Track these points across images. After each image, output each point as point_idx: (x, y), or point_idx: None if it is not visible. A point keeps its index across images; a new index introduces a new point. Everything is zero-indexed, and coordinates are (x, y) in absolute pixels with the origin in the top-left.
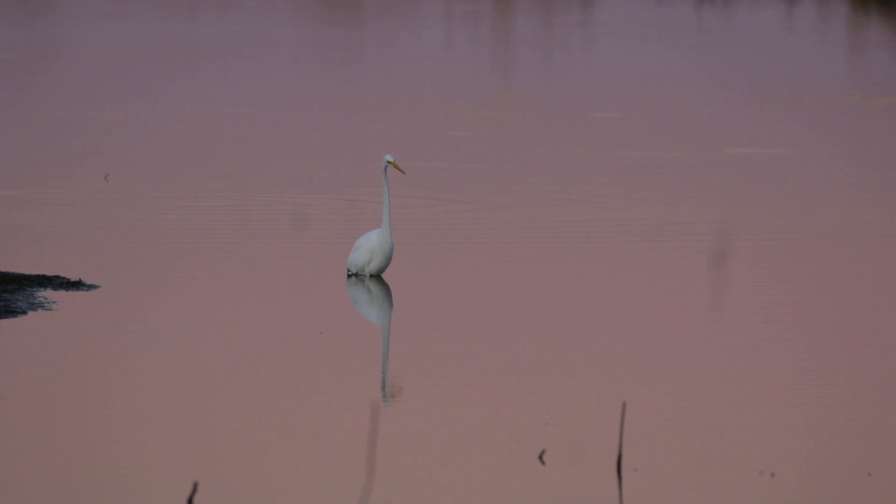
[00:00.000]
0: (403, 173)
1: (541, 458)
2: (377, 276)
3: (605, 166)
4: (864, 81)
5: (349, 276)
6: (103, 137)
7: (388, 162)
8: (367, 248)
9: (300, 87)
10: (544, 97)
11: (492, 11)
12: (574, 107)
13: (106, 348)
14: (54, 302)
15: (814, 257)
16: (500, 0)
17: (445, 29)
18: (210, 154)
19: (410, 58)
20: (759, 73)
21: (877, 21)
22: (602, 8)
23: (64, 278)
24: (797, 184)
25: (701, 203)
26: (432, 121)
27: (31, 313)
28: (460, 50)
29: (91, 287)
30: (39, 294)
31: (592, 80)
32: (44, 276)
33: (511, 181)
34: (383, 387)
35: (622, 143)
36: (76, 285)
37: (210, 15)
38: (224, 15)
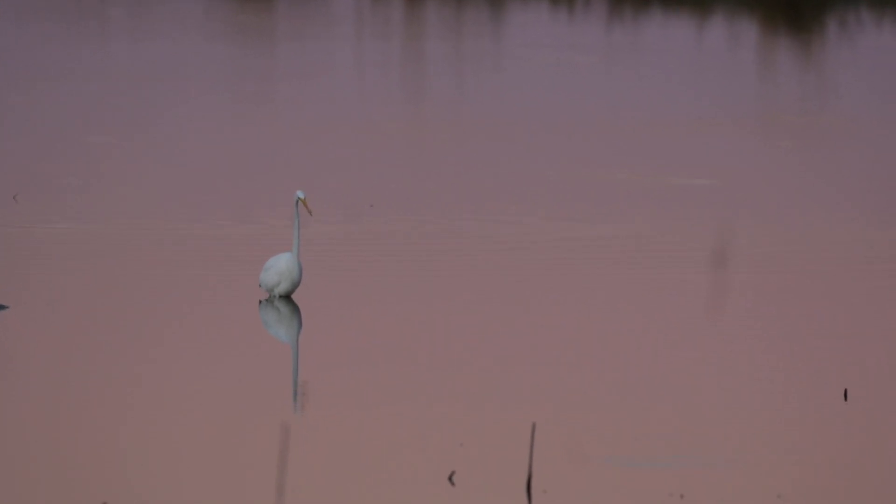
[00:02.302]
0: (310, 214)
1: (450, 479)
2: (287, 297)
3: (522, 186)
4: (774, 102)
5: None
6: (9, 159)
7: (299, 199)
8: (277, 270)
9: (211, 112)
10: (458, 119)
11: (402, 35)
12: (488, 128)
13: (13, 369)
14: None
15: (754, 284)
16: (409, 24)
17: (356, 53)
18: (122, 176)
19: (324, 81)
20: (671, 94)
21: (786, 40)
22: (513, 29)
23: None
24: (714, 208)
25: (607, 223)
26: (348, 143)
27: None
28: (372, 74)
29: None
30: None
31: (506, 101)
32: None
33: (428, 202)
34: (294, 396)
35: (540, 164)
36: None
37: (120, 39)
38: (134, 39)
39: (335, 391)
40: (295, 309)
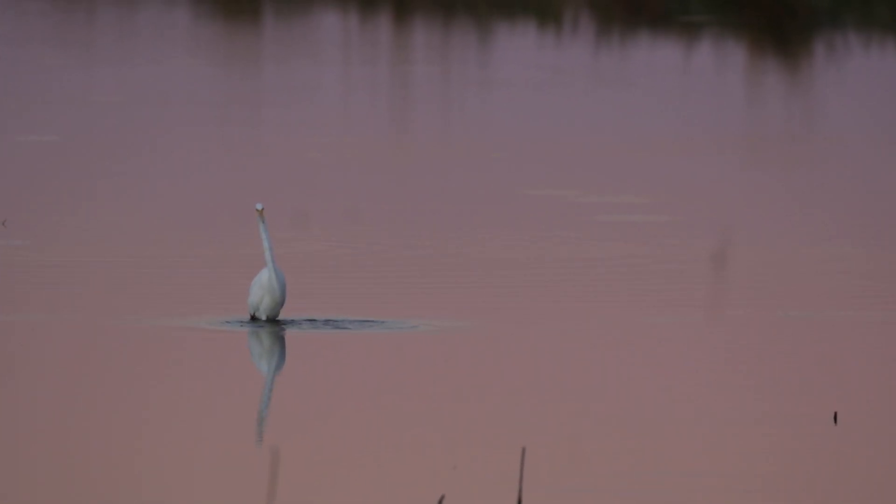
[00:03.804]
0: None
1: (440, 503)
2: (273, 320)
3: (510, 208)
4: (761, 124)
5: (251, 319)
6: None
7: (258, 210)
8: (259, 285)
9: (197, 136)
10: (446, 141)
11: (389, 57)
12: (475, 150)
13: None
14: None
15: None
16: (397, 47)
17: (343, 78)
18: (110, 201)
19: (310, 104)
20: (658, 116)
21: (773, 63)
22: (500, 52)
23: None
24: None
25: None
26: (334, 165)
27: None
28: (359, 96)
29: None
30: None
31: (493, 123)
32: None
33: (415, 224)
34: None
35: (528, 186)
36: None
37: (105, 63)
38: (120, 62)
39: (324, 414)
40: (279, 338)
